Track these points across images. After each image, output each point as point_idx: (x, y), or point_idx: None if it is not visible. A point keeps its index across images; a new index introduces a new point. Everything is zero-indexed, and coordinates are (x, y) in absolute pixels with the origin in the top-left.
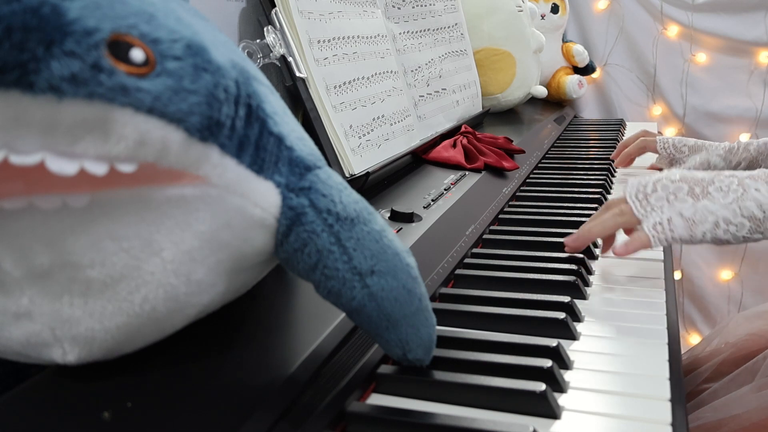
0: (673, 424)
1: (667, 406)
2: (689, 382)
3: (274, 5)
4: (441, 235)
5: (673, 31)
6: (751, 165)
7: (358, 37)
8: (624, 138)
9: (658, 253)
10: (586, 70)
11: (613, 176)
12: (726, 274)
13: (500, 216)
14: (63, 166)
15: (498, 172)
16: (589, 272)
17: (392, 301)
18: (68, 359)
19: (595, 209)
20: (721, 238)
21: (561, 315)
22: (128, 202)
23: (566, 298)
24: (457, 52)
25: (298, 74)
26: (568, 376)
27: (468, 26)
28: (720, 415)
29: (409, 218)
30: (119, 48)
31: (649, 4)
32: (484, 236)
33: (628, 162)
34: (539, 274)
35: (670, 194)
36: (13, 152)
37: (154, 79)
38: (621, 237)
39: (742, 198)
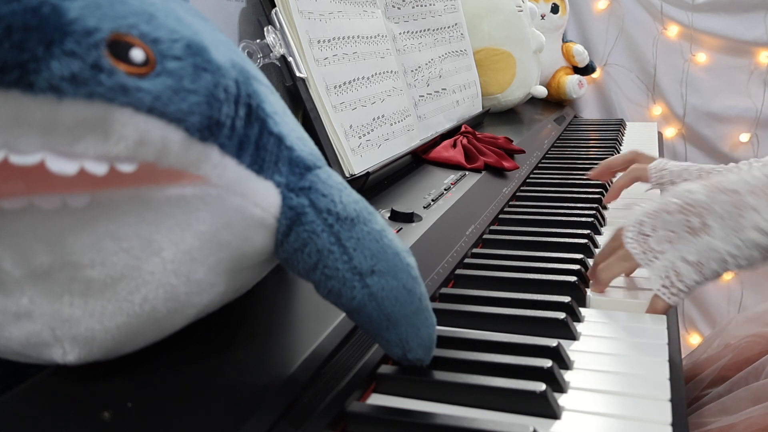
0: (673, 425)
1: (667, 406)
2: (691, 389)
3: (274, 5)
4: (441, 235)
5: (673, 31)
6: None
7: (358, 37)
8: (616, 154)
9: None
10: (586, 70)
11: (613, 176)
12: (726, 274)
13: (500, 216)
14: (63, 166)
15: (498, 172)
16: None
17: (392, 300)
18: (68, 359)
19: (595, 209)
20: (733, 270)
21: (561, 315)
22: (128, 202)
23: (566, 298)
24: (457, 52)
25: (298, 74)
26: (568, 376)
27: (468, 26)
28: (720, 422)
29: (409, 218)
30: (119, 48)
31: (649, 4)
32: (484, 236)
33: (616, 196)
34: (539, 274)
35: (670, 233)
36: (13, 152)
37: (154, 78)
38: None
39: (742, 226)
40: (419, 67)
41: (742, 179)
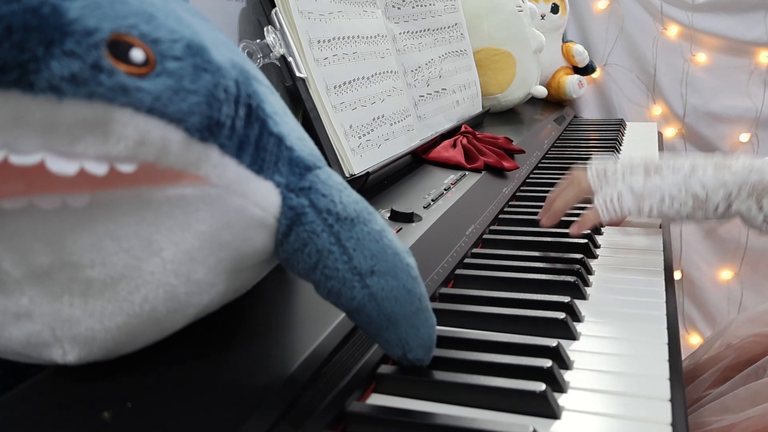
0: (673, 424)
1: (667, 406)
2: (693, 390)
3: (274, 5)
4: (441, 235)
5: (673, 31)
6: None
7: (358, 37)
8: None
9: (657, 252)
10: (586, 70)
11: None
12: (726, 274)
13: (500, 216)
14: (63, 166)
15: (498, 172)
16: (589, 272)
17: (392, 301)
18: (68, 359)
19: None
20: (666, 213)
21: (561, 315)
22: (128, 202)
23: (566, 298)
24: (457, 52)
25: (298, 74)
26: (568, 376)
27: (468, 26)
28: (721, 422)
29: (409, 218)
30: (119, 48)
31: (649, 4)
32: (484, 236)
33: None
34: (539, 274)
35: (626, 170)
36: (13, 152)
37: (154, 79)
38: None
39: (689, 177)
40: (419, 67)
41: (695, 159)
